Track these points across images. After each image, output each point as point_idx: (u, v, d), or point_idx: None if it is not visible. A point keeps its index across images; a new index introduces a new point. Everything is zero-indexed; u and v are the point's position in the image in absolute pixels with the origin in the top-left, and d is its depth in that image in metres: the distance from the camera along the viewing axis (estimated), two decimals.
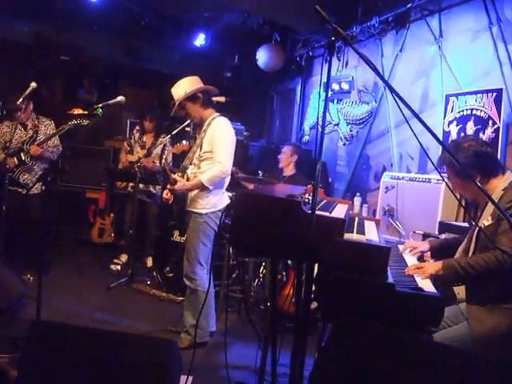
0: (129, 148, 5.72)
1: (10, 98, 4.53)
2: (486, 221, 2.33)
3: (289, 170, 5.25)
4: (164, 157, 4.11)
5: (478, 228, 2.32)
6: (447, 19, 4.61)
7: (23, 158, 4.69)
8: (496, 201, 2.28)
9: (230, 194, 4.29)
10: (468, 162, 2.34)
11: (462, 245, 2.50)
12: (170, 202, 3.71)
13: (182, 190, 3.47)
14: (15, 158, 4.65)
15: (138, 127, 5.83)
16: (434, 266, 2.32)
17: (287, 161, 5.25)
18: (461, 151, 2.38)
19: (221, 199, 3.57)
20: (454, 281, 2.37)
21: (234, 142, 3.55)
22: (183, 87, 3.51)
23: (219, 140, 3.43)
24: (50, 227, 5.42)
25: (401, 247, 2.87)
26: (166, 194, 3.68)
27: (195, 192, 3.49)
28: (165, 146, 5.47)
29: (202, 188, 3.44)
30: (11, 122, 4.76)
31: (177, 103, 3.50)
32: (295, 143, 6.04)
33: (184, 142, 4.89)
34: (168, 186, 3.59)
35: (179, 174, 3.53)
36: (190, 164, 3.57)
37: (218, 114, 3.60)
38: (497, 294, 2.23)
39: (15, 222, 4.59)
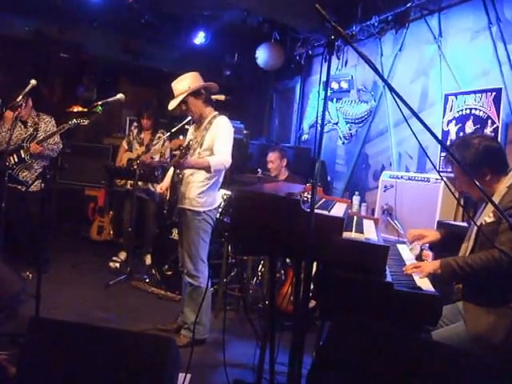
0: (127, 147, 5.72)
1: (9, 95, 4.53)
2: (487, 217, 2.28)
3: (282, 175, 5.14)
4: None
5: (476, 226, 2.30)
6: (447, 19, 4.61)
7: (23, 155, 4.68)
8: (499, 198, 2.25)
9: (229, 193, 4.31)
10: (479, 159, 2.28)
11: (464, 243, 2.46)
12: (167, 196, 3.72)
13: (187, 164, 3.39)
14: (15, 156, 4.66)
15: (135, 124, 5.84)
16: (431, 264, 2.31)
17: (278, 168, 5.10)
18: (472, 147, 2.31)
19: (216, 198, 3.63)
20: (452, 279, 2.37)
21: (232, 141, 3.59)
22: (187, 82, 3.52)
23: (222, 136, 3.47)
24: (50, 224, 5.41)
25: (400, 247, 2.87)
26: (161, 188, 3.67)
27: (193, 190, 3.49)
28: (164, 142, 5.49)
29: (205, 170, 3.41)
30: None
31: (181, 97, 3.48)
32: (278, 146, 5.79)
33: (181, 137, 4.89)
34: (173, 160, 3.56)
35: (178, 172, 3.53)
36: None
37: (217, 112, 3.63)
38: (494, 294, 2.22)
39: (15, 220, 4.60)
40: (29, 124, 4.81)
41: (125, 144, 5.77)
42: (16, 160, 4.66)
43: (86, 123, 4.23)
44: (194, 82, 3.53)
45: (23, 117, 4.73)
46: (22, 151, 4.68)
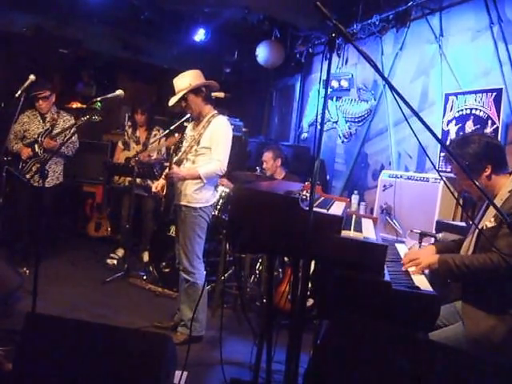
0: (123, 147, 5.69)
1: (8, 90, 4.54)
2: (488, 222, 2.25)
3: (278, 174, 5.08)
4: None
5: (478, 229, 2.28)
6: (448, 18, 4.60)
7: (36, 149, 4.75)
8: (501, 203, 2.22)
9: (228, 190, 4.30)
10: (480, 153, 2.28)
11: (464, 243, 2.45)
12: (163, 194, 3.72)
13: (177, 175, 3.47)
14: (29, 149, 4.72)
15: (129, 123, 5.79)
16: (429, 258, 2.31)
17: (273, 168, 5.05)
18: (472, 142, 2.31)
19: (213, 195, 3.65)
20: (447, 277, 2.34)
21: (231, 142, 3.63)
22: (188, 79, 3.54)
23: (220, 140, 3.51)
24: (48, 220, 5.40)
25: (398, 246, 2.86)
26: (155, 188, 3.67)
27: (189, 187, 3.52)
28: (160, 140, 5.47)
29: (197, 180, 3.48)
30: (32, 112, 4.85)
31: (181, 94, 3.51)
32: (272, 145, 5.60)
33: (176, 134, 4.85)
34: (164, 172, 3.61)
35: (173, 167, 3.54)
36: (186, 159, 3.57)
37: (216, 111, 3.64)
38: (494, 299, 2.19)
39: (22, 214, 4.66)
40: (47, 119, 4.87)
41: (120, 144, 5.74)
42: (30, 154, 4.70)
43: (97, 120, 4.21)
44: (195, 80, 3.55)
45: (43, 110, 4.81)
46: (36, 145, 4.73)
